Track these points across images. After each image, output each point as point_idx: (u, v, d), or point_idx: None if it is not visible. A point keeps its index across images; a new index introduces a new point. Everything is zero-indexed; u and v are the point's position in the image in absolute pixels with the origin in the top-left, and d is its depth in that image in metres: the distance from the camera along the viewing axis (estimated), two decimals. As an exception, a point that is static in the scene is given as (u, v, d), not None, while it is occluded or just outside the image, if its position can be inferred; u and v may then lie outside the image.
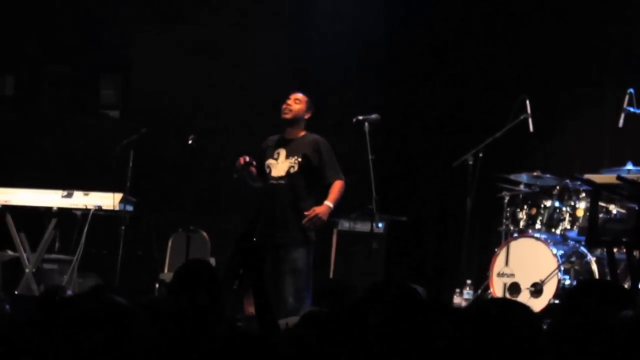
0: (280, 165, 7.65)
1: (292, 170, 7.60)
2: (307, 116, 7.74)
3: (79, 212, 8.91)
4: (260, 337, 2.95)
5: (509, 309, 3.10)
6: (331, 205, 7.52)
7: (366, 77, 10.88)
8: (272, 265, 7.33)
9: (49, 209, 8.92)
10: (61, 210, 8.91)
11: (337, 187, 7.59)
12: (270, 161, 7.68)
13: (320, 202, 7.58)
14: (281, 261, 7.43)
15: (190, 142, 8.36)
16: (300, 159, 7.59)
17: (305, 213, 7.47)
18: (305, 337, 3.27)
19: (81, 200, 8.96)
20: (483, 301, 3.45)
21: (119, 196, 8.84)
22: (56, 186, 9.08)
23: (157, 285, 9.34)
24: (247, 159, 7.65)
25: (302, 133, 7.75)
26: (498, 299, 6.92)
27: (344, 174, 7.74)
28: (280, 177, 7.60)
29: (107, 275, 8.87)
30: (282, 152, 7.68)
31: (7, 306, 7.90)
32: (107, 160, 9.39)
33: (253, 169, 7.68)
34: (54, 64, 11.11)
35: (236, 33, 10.80)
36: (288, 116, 7.72)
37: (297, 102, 7.71)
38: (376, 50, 10.92)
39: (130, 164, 8.83)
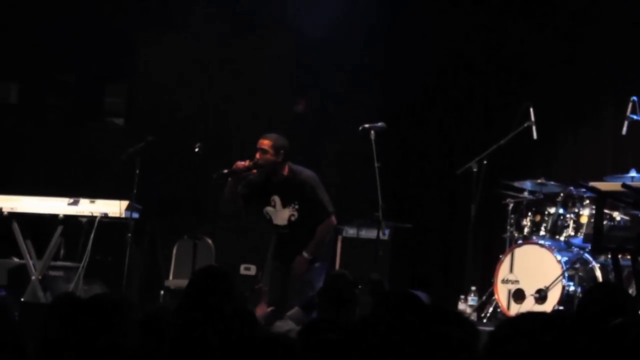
0: (280, 214, 7.73)
1: (292, 219, 7.70)
2: (280, 159, 7.64)
3: (84, 220, 8.92)
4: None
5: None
6: (307, 255, 7.59)
7: (369, 83, 10.91)
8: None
9: (55, 216, 8.93)
10: (67, 217, 8.91)
11: (320, 230, 7.64)
12: (268, 209, 7.74)
13: None
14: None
15: (197, 149, 8.37)
16: (297, 206, 7.66)
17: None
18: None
19: (87, 207, 8.96)
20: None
21: (125, 203, 8.85)
22: (62, 194, 9.10)
23: (162, 292, 9.38)
24: (248, 163, 7.62)
25: (286, 172, 7.72)
26: None
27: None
28: (284, 227, 7.73)
29: (113, 282, 8.89)
30: (277, 200, 7.73)
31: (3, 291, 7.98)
32: (112, 168, 9.42)
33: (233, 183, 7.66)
34: (58, 72, 11.12)
35: (239, 40, 10.82)
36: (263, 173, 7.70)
37: (263, 154, 7.64)
38: (377, 57, 10.96)
39: (137, 171, 8.86)
